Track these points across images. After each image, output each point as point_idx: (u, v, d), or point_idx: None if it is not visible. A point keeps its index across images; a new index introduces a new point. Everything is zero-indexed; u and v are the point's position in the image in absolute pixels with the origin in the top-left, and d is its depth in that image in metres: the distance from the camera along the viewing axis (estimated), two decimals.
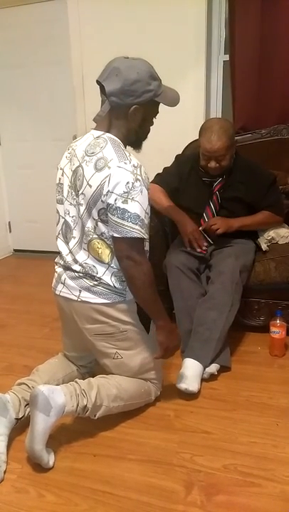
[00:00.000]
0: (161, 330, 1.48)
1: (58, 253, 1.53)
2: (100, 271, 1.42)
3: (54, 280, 1.55)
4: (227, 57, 2.78)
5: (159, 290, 1.46)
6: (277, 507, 1.20)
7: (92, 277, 1.43)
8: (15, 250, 3.97)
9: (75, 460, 1.40)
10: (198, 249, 1.98)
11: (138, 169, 1.32)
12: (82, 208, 1.39)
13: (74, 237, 1.46)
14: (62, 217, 1.49)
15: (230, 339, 1.94)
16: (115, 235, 1.34)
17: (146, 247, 1.44)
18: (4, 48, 3.41)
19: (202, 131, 1.95)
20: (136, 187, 1.30)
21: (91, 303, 1.43)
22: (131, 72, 1.30)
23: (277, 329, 1.93)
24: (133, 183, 1.30)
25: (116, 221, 1.32)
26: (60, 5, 3.07)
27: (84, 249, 1.44)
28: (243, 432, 1.49)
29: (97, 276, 1.42)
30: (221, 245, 2.03)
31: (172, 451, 1.42)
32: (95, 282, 1.42)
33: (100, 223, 1.37)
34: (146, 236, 1.37)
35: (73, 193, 1.43)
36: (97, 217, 1.36)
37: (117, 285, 1.43)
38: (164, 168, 2.24)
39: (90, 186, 1.34)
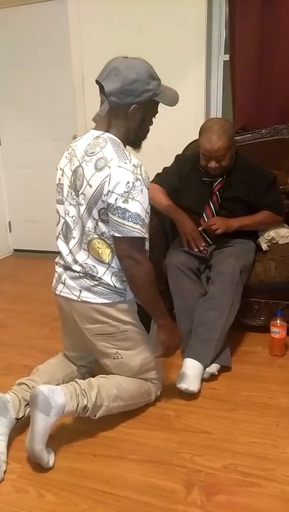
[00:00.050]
0: (162, 329, 1.48)
1: (58, 253, 1.53)
2: (100, 271, 1.42)
3: (54, 280, 1.55)
4: (227, 57, 2.78)
5: (160, 290, 1.46)
6: (277, 507, 1.20)
7: (93, 277, 1.43)
8: (15, 250, 3.97)
9: (75, 460, 1.40)
10: (196, 249, 1.97)
11: (138, 169, 1.32)
12: (83, 208, 1.39)
13: (74, 238, 1.46)
14: (63, 218, 1.49)
15: (231, 339, 1.94)
16: (116, 234, 1.34)
17: (146, 247, 1.44)
18: (4, 47, 3.41)
19: (202, 131, 1.95)
20: (136, 186, 1.30)
21: (91, 303, 1.43)
22: (130, 72, 1.31)
23: (277, 329, 1.93)
24: (133, 183, 1.30)
25: (117, 221, 1.32)
26: (60, 5, 3.07)
27: (84, 249, 1.44)
28: (243, 432, 1.49)
29: (98, 276, 1.42)
30: (221, 245, 2.03)
31: (172, 451, 1.42)
32: (96, 282, 1.42)
33: (100, 223, 1.37)
34: (146, 235, 1.37)
35: (73, 193, 1.43)
36: (97, 217, 1.36)
37: (118, 285, 1.43)
38: (164, 168, 2.24)
39: (91, 186, 1.34)
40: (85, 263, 1.43)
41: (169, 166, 2.24)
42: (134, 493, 1.26)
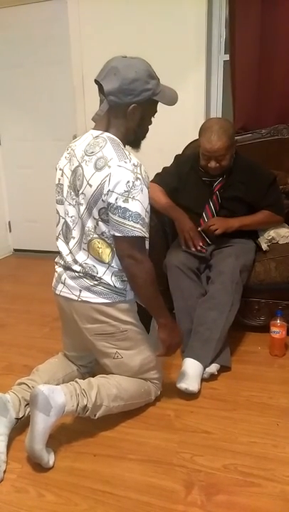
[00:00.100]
0: (163, 328, 1.48)
1: (58, 253, 1.53)
2: (100, 271, 1.42)
3: (54, 280, 1.55)
4: (227, 57, 2.78)
5: (160, 290, 1.46)
6: (277, 507, 1.20)
7: (93, 277, 1.43)
8: (15, 250, 3.97)
9: (75, 460, 1.40)
10: (193, 248, 1.97)
11: (138, 168, 1.32)
12: (83, 208, 1.39)
13: (73, 238, 1.46)
14: (63, 218, 1.49)
15: (231, 339, 1.94)
16: (116, 234, 1.34)
17: (146, 246, 1.44)
18: (4, 47, 3.41)
19: (202, 131, 1.95)
20: (136, 186, 1.30)
21: (91, 302, 1.43)
22: (129, 71, 1.31)
23: (277, 329, 1.93)
24: (133, 182, 1.30)
25: (117, 220, 1.32)
26: (60, 5, 3.07)
27: (83, 249, 1.44)
28: (243, 432, 1.49)
29: (98, 276, 1.42)
30: (221, 245, 2.03)
31: (172, 451, 1.42)
32: (95, 282, 1.42)
33: (100, 223, 1.37)
34: (147, 235, 1.37)
35: (72, 193, 1.43)
36: (97, 217, 1.36)
37: (118, 285, 1.43)
38: (164, 167, 2.24)
39: (91, 186, 1.34)
40: (85, 263, 1.43)
41: (168, 166, 2.24)
42: (134, 492, 1.26)
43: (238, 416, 1.58)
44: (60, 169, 1.48)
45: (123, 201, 1.30)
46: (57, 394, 1.34)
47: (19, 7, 3.26)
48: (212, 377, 1.80)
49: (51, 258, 1.67)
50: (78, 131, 3.17)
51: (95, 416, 1.44)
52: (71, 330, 1.57)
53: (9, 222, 3.90)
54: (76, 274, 1.45)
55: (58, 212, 1.51)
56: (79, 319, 1.47)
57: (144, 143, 1.49)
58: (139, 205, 1.31)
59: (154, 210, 2.03)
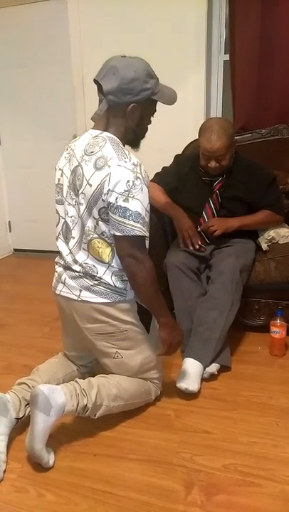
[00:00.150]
0: (164, 327, 1.48)
1: (58, 253, 1.53)
2: (100, 270, 1.42)
3: (54, 280, 1.55)
4: (227, 57, 2.78)
5: (160, 289, 1.46)
6: (277, 507, 1.20)
7: (93, 277, 1.43)
8: (15, 250, 3.97)
9: (75, 459, 1.40)
10: (191, 247, 1.97)
11: (138, 167, 1.32)
12: (83, 208, 1.39)
13: (73, 238, 1.46)
14: (62, 218, 1.49)
15: (231, 339, 1.94)
16: (117, 233, 1.34)
17: (147, 245, 1.44)
18: (4, 47, 3.41)
19: (202, 131, 1.95)
20: (136, 185, 1.30)
21: (91, 302, 1.43)
22: (128, 71, 1.31)
23: (277, 329, 1.93)
24: (133, 182, 1.30)
25: (117, 220, 1.32)
26: (60, 5, 3.07)
27: (83, 249, 1.44)
28: (243, 432, 1.49)
29: (98, 275, 1.42)
30: (221, 245, 2.03)
31: (172, 450, 1.42)
32: (96, 282, 1.42)
33: (100, 222, 1.37)
34: (147, 234, 1.37)
35: (72, 192, 1.43)
36: (97, 217, 1.36)
37: (118, 284, 1.43)
38: (163, 167, 2.24)
39: (90, 185, 1.34)
40: (85, 263, 1.43)
41: (168, 165, 2.24)
42: (134, 492, 1.26)
43: (238, 416, 1.58)
44: (60, 169, 1.48)
45: (123, 200, 1.30)
46: (57, 394, 1.34)
47: (19, 7, 3.27)
48: (212, 377, 1.80)
49: (51, 258, 1.67)
50: (78, 131, 3.17)
51: (95, 416, 1.44)
52: (71, 330, 1.57)
53: (9, 222, 3.90)
54: (76, 274, 1.45)
55: (57, 213, 1.51)
56: (79, 319, 1.47)
57: (143, 143, 1.49)
58: (139, 204, 1.31)
59: (154, 210, 2.03)
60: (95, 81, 1.37)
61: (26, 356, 2.06)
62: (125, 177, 1.29)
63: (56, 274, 1.54)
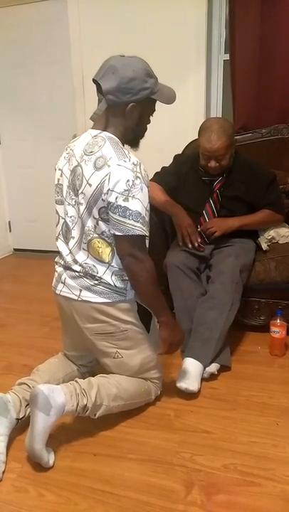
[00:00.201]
0: (164, 326, 1.48)
1: (58, 253, 1.53)
2: (101, 270, 1.42)
3: (54, 279, 1.55)
4: (227, 57, 2.78)
5: (160, 289, 1.46)
6: (277, 506, 1.20)
7: (93, 277, 1.42)
8: (15, 249, 3.97)
9: (75, 459, 1.40)
10: (190, 245, 1.97)
11: (138, 167, 1.32)
12: (82, 208, 1.39)
13: (73, 238, 1.46)
14: (62, 218, 1.49)
15: (231, 339, 1.94)
16: (117, 233, 1.34)
17: (147, 245, 1.44)
18: (4, 47, 3.41)
19: (201, 130, 1.95)
20: (136, 185, 1.30)
21: (91, 302, 1.43)
22: (127, 70, 1.31)
23: (277, 329, 1.93)
24: (133, 181, 1.30)
25: (117, 219, 1.32)
26: (60, 5, 3.07)
27: (83, 249, 1.44)
28: (243, 432, 1.49)
29: (98, 275, 1.42)
30: (221, 245, 2.03)
31: (172, 450, 1.42)
32: (96, 282, 1.42)
33: (100, 222, 1.37)
34: (147, 233, 1.37)
35: (72, 192, 1.42)
36: (97, 216, 1.36)
37: (118, 284, 1.43)
38: (163, 167, 2.24)
39: (90, 185, 1.34)
40: (85, 263, 1.43)
41: (168, 165, 2.24)
42: (134, 492, 1.26)
43: (238, 416, 1.58)
44: (59, 169, 1.48)
45: (123, 200, 1.30)
46: (57, 393, 1.34)
47: (19, 7, 3.27)
48: (212, 376, 1.80)
49: (51, 258, 1.67)
50: (78, 131, 3.16)
51: (94, 415, 1.44)
52: (71, 329, 1.57)
53: (9, 222, 3.90)
54: (76, 273, 1.45)
55: (57, 213, 1.51)
56: (79, 319, 1.47)
57: (143, 143, 1.49)
58: (139, 203, 1.31)
59: (154, 209, 2.02)
60: (94, 81, 1.37)
61: (26, 356, 2.06)
62: (125, 176, 1.29)
63: (56, 274, 1.54)
